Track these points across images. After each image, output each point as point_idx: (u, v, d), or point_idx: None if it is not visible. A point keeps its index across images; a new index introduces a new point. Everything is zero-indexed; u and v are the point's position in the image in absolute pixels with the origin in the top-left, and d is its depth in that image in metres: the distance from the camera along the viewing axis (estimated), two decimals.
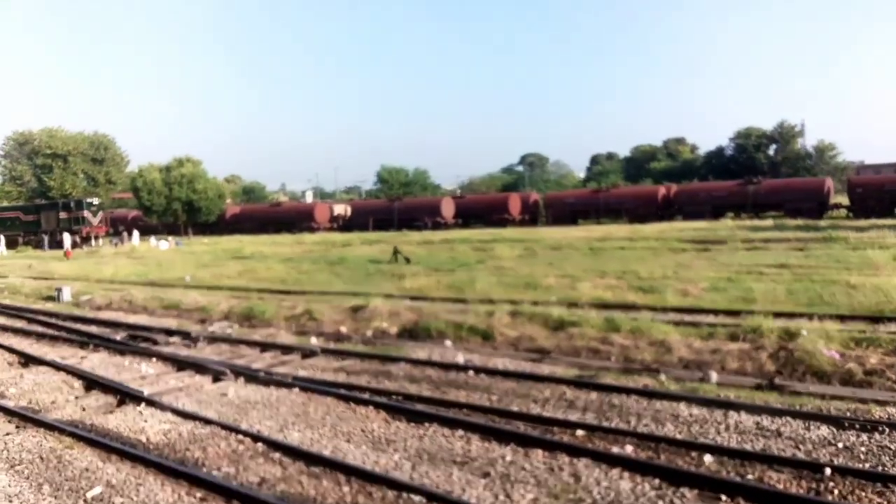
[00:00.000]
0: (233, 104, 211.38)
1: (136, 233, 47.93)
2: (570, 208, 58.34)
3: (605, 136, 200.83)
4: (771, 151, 75.93)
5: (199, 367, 10.26)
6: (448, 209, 58.35)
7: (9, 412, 8.28)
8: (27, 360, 11.58)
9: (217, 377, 9.77)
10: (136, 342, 12.84)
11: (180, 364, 10.67)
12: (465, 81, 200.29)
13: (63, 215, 47.53)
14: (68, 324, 15.20)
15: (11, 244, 47.76)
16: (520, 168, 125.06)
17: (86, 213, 47.10)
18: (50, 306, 18.53)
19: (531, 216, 60.33)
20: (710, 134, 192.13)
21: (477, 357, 10.58)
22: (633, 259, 23.50)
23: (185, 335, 13.10)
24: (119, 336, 13.52)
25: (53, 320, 15.85)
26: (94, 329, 14.56)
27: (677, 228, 38.88)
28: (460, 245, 33.32)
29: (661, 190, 55.81)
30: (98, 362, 11.25)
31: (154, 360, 11.11)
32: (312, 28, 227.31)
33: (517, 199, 59.48)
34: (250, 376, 9.62)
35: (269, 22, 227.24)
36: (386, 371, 9.86)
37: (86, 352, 12.20)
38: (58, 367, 10.73)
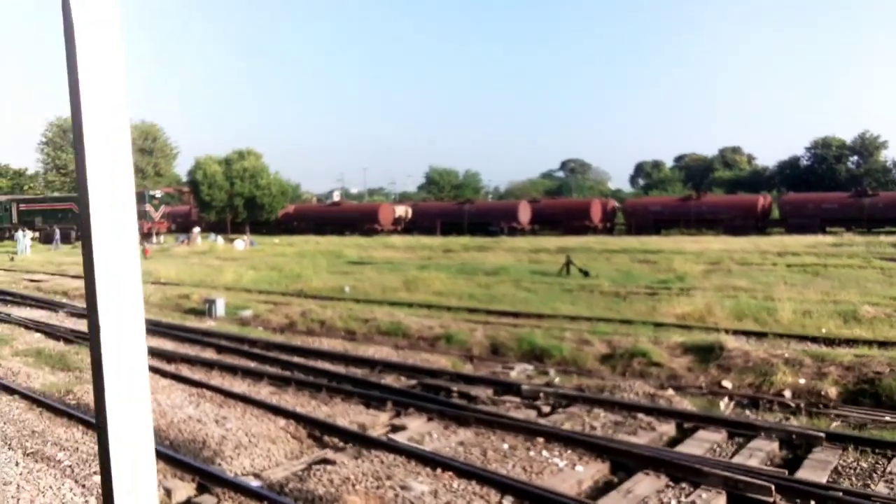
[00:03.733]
0: (257, 102, 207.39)
1: (197, 230, 43.64)
2: (654, 217, 54.07)
3: (641, 145, 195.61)
4: (850, 164, 71.57)
5: (689, 472, 5.96)
6: (525, 214, 54.13)
7: None
8: (322, 431, 7.32)
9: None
10: (435, 394, 8.55)
11: (635, 459, 6.34)
12: (497, 85, 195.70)
13: None
14: (281, 356, 10.92)
15: (64, 238, 43.52)
16: (560, 174, 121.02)
17: (147, 207, 42.86)
18: (212, 325, 14.26)
19: (610, 224, 56.19)
20: (762, 143, 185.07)
21: None
22: (874, 280, 19.19)
23: (499, 386, 8.85)
24: (390, 382, 9.28)
25: (245, 347, 11.59)
26: (327, 366, 10.31)
27: (824, 243, 34.49)
28: (611, 256, 28.97)
29: (760, 200, 51.52)
30: (445, 441, 6.98)
31: (558, 446, 6.75)
32: (341, 26, 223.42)
33: (598, 206, 55.22)
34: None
35: (295, 20, 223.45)
36: None
37: (386, 414, 7.94)
38: (400, 449, 6.47)
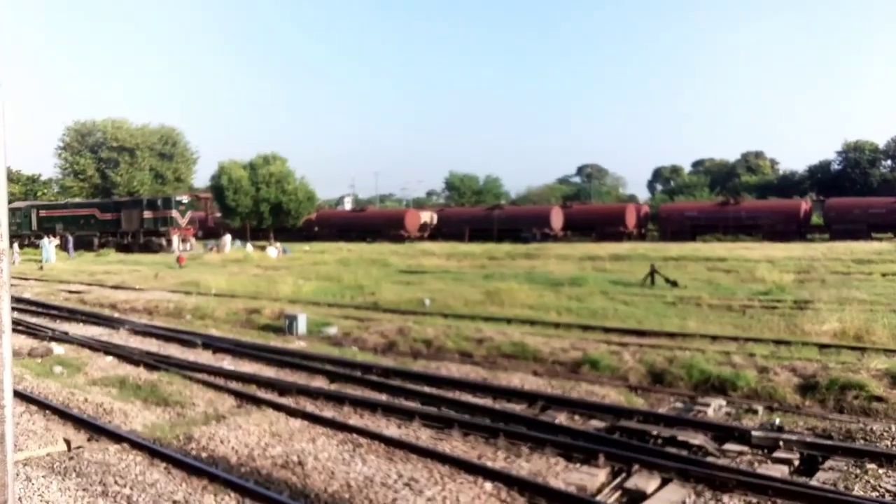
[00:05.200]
0: (267, 108, 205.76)
1: (228, 237, 42.04)
2: (690, 222, 52.44)
3: (652, 149, 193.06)
4: (883, 168, 69.92)
5: None
6: (557, 220, 52.59)
7: None
8: (546, 499, 5.67)
9: None
10: (641, 441, 6.91)
11: None
12: (510, 90, 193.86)
13: (147, 214, 41.61)
14: (407, 385, 9.27)
15: (85, 245, 41.96)
16: (576, 179, 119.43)
17: (174, 213, 41.28)
18: (303, 346, 12.61)
19: (644, 230, 54.65)
20: (781, 148, 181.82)
21: None
22: None
23: (710, 429, 7.21)
24: (562, 420, 7.64)
25: (358, 373, 9.94)
26: (471, 399, 8.66)
27: (888, 249, 32.73)
28: (677, 264, 27.25)
29: (802, 205, 49.89)
30: None
31: None
32: (358, 36, 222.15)
33: (633, 211, 53.63)
34: None
35: (315, 29, 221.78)
36: None
37: (602, 471, 6.26)
38: None
